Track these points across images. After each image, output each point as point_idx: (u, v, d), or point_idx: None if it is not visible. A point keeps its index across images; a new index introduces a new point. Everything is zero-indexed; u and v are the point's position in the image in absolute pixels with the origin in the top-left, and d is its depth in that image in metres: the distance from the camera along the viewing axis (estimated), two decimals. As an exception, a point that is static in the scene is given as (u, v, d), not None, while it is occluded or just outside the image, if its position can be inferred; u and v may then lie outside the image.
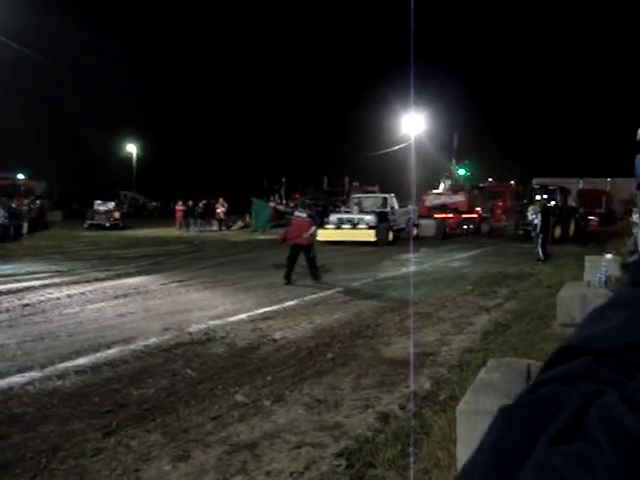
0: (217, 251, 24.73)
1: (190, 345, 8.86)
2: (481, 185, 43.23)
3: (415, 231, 32.55)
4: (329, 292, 13.88)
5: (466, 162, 43.50)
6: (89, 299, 12.93)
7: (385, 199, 32.11)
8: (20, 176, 50.86)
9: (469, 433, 3.58)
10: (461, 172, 41.82)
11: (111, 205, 43.36)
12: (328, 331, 9.81)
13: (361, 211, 30.22)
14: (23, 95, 59.21)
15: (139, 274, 17.25)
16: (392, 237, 29.86)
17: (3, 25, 32.20)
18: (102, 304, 12.35)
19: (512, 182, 42.24)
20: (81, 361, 7.95)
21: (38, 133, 64.65)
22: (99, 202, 43.15)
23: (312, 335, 9.53)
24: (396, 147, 46.57)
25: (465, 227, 37.59)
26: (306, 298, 12.79)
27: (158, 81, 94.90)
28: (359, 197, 32.75)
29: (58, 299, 12.84)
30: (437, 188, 49.07)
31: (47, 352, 8.44)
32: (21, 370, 7.53)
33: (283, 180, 46.30)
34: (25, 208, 35.79)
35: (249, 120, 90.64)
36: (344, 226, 28.80)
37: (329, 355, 8.23)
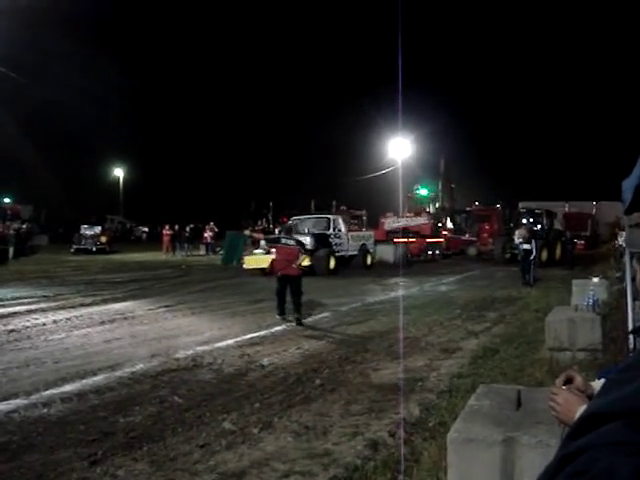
0: (204, 276, 24.66)
1: (177, 371, 8.79)
2: (467, 209, 43.38)
3: (370, 258, 29.21)
4: (317, 317, 13.85)
5: (452, 186, 43.64)
6: (75, 325, 12.83)
7: (328, 220, 27.93)
8: (6, 200, 50.71)
9: (460, 461, 3.55)
10: (423, 192, 39.77)
11: (98, 229, 43.29)
12: (316, 357, 9.77)
13: (297, 233, 27.43)
14: (10, 119, 59.08)
15: (126, 299, 17.16)
16: (334, 264, 25.83)
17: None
18: (88, 330, 12.27)
19: (498, 205, 42.33)
20: (67, 388, 7.87)
21: (25, 157, 64.50)
22: (86, 226, 43.04)
23: (300, 361, 9.48)
24: (383, 171, 46.79)
25: (430, 252, 35.40)
26: (294, 323, 12.73)
27: (146, 106, 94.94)
28: (298, 218, 28.38)
29: (44, 325, 12.75)
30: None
31: (32, 379, 8.35)
32: (6, 397, 7.44)
33: (270, 204, 46.34)
34: (11, 232, 35.60)
35: (236, 145, 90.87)
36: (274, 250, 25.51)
37: (318, 381, 8.18)
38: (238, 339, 11.20)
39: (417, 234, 34.38)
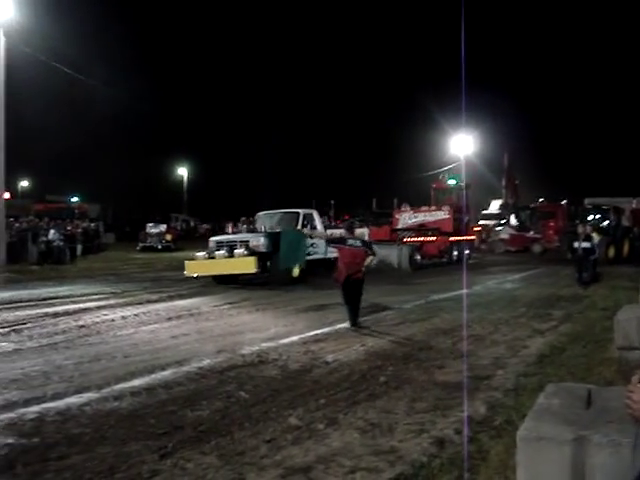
0: (267, 273, 24.77)
1: (243, 367, 8.89)
2: (532, 205, 42.70)
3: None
4: (380, 314, 13.82)
5: (516, 182, 43.04)
6: (143, 321, 13.11)
7: (297, 216, 22.29)
8: (74, 199, 52.02)
9: (530, 460, 3.52)
10: (451, 182, 33.98)
11: (163, 227, 44.10)
12: (380, 354, 9.76)
13: (251, 232, 22.96)
14: (76, 120, 60.51)
15: (191, 296, 17.46)
16: (299, 271, 20.81)
17: (62, 53, 33.05)
18: (156, 326, 12.52)
19: (564, 202, 41.53)
20: (136, 382, 8.04)
21: (92, 157, 66.00)
22: (151, 225, 43.89)
23: (364, 358, 9.48)
24: (445, 168, 46.29)
25: (456, 253, 29.92)
26: (358, 320, 12.72)
27: (208, 104, 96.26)
28: (264, 214, 23.85)
29: (113, 320, 13.06)
30: (486, 209, 48.43)
31: (103, 373, 8.57)
32: (78, 391, 7.65)
33: (332, 202, 46.55)
34: (79, 231, 36.50)
35: (298, 143, 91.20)
36: (219, 253, 20.44)
37: (382, 378, 8.18)
38: (302, 336, 11.26)
39: (437, 231, 29.19)
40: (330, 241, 14.19)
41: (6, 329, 12.01)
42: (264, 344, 10.47)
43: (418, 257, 27.42)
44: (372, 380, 8.13)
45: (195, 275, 20.96)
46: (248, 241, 20.36)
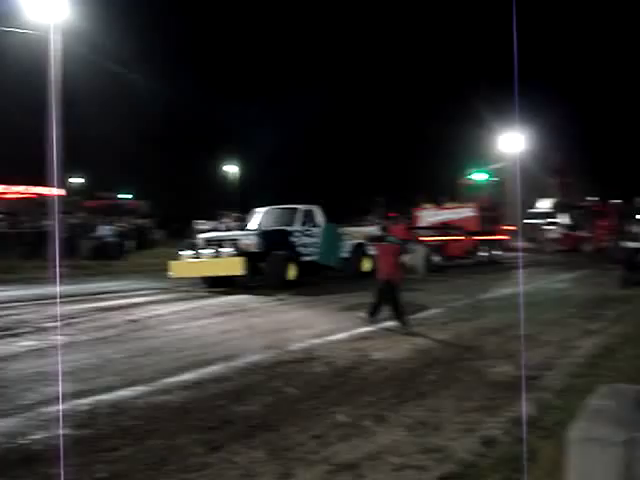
0: (315, 270, 24.83)
1: (291, 363, 8.95)
2: (584, 204, 42.06)
3: (367, 263, 20.53)
4: (428, 313, 13.75)
5: (568, 181, 42.48)
6: (193, 316, 13.28)
7: (294, 212, 20.27)
8: (125, 196, 52.75)
9: (580, 461, 3.48)
10: (481, 177, 32.61)
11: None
12: (428, 352, 9.72)
13: (242, 229, 21.16)
14: (127, 119, 61.28)
15: (239, 292, 17.56)
16: (295, 273, 18.70)
17: (114, 53, 33.61)
18: (205, 321, 12.67)
19: (617, 201, 40.79)
20: (186, 377, 8.16)
21: (143, 155, 66.76)
22: (200, 222, 44.28)
23: (412, 356, 9.46)
24: (496, 165, 45.88)
25: (484, 254, 28.53)
26: (406, 318, 12.66)
27: (257, 103, 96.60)
28: (260, 210, 21.85)
29: (163, 315, 13.28)
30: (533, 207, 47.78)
31: (154, 367, 8.72)
32: (130, 384, 7.80)
33: (382, 199, 46.34)
34: (131, 227, 37.02)
35: (346, 141, 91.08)
36: (205, 252, 18.43)
37: (430, 377, 8.15)
38: (350, 333, 11.28)
39: (460, 230, 27.52)
40: (370, 239, 13.61)
41: (60, 323, 12.27)
42: (312, 341, 10.52)
43: (437, 258, 25.34)
44: (420, 378, 8.12)
45: (183, 276, 18.94)
46: (237, 240, 18.43)
